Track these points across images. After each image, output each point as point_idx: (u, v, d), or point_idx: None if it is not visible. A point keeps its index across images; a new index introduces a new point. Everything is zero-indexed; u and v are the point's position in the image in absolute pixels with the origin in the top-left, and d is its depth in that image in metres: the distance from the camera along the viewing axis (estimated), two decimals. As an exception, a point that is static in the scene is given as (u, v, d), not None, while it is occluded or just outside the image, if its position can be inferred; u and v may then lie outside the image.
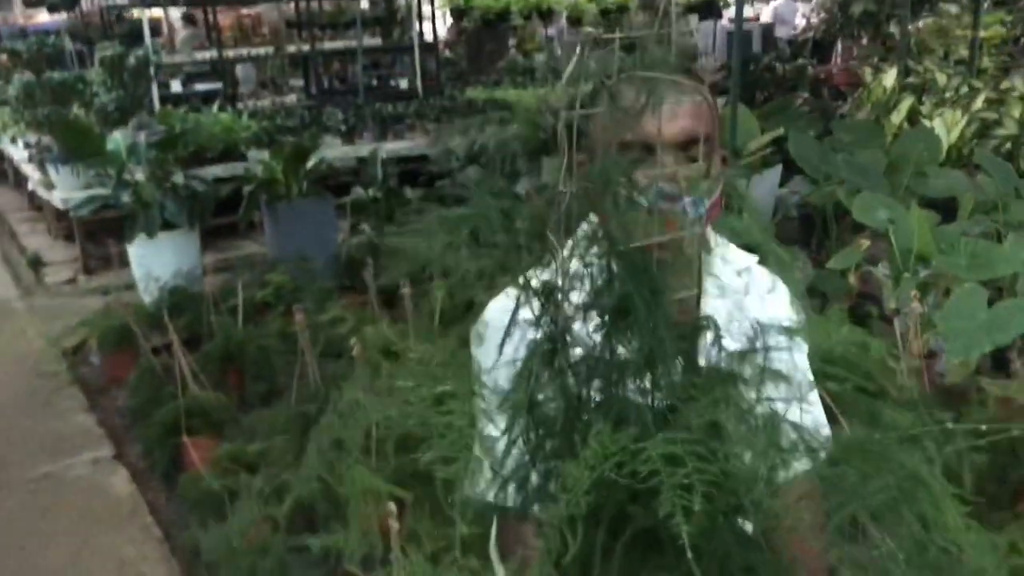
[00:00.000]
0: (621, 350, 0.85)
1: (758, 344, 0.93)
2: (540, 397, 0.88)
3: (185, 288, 4.94)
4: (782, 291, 1.47)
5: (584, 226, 0.87)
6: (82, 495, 3.85)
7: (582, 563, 0.84)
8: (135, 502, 3.80)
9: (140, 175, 5.11)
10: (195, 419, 3.79)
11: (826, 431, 0.91)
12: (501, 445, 0.89)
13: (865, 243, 4.21)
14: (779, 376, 0.91)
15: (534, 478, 0.89)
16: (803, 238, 5.53)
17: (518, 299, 0.90)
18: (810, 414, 0.95)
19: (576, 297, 0.88)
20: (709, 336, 1.29)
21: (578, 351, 0.88)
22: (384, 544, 0.91)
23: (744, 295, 1.30)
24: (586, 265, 0.84)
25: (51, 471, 4.00)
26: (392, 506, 1.11)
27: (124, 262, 5.55)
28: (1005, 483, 2.97)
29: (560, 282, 0.85)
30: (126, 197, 5.02)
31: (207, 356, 4.20)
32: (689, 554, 0.72)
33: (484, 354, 0.99)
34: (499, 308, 0.99)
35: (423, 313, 3.74)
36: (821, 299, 4.61)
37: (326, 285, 4.85)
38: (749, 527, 0.93)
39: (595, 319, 0.87)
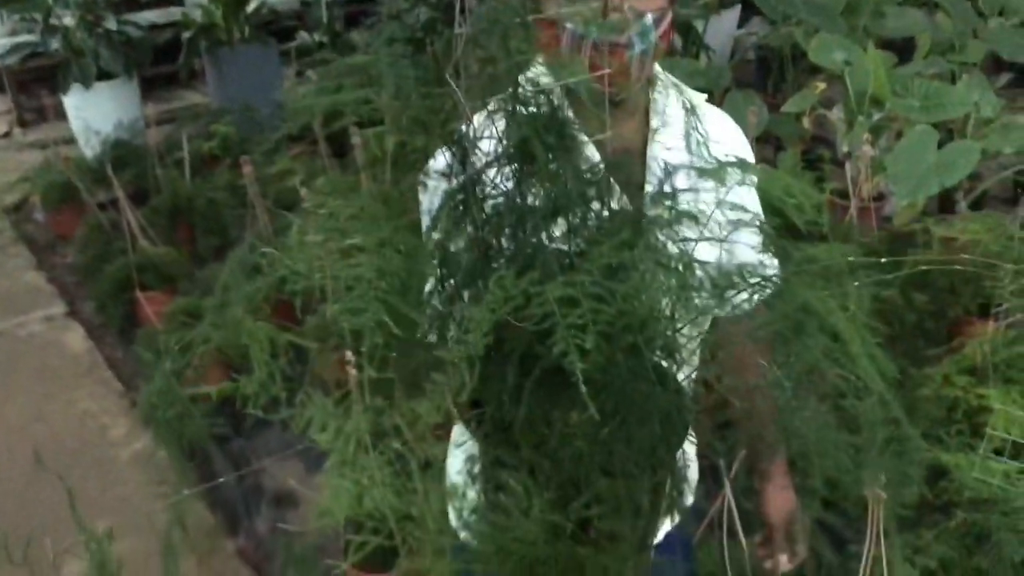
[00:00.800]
0: (531, 198, 0.84)
1: (704, 183, 0.93)
2: (455, 247, 0.88)
3: (128, 141, 4.79)
4: (732, 129, 1.44)
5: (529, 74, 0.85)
6: (38, 353, 3.85)
7: (495, 398, 0.85)
8: (92, 358, 3.82)
9: (69, 20, 4.84)
10: (147, 274, 3.76)
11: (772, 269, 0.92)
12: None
13: (821, 86, 4.16)
14: (733, 208, 0.91)
15: (451, 326, 0.89)
16: (760, 81, 5.45)
17: (444, 150, 0.89)
18: (754, 250, 0.95)
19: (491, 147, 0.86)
20: (652, 176, 1.28)
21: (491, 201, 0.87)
22: (287, 391, 0.91)
23: (693, 132, 1.28)
24: (494, 112, 0.81)
25: (3, 329, 3.98)
26: (349, 354, 1.12)
27: (61, 115, 5.34)
28: (942, 320, 3.07)
29: (467, 131, 0.83)
30: (55, 44, 4.79)
31: (155, 211, 4.12)
32: (583, 388, 0.74)
33: (427, 203, 0.98)
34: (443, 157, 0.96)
35: (373, 162, 3.67)
36: (775, 143, 4.60)
37: (273, 135, 4.73)
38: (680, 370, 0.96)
39: (507, 168, 0.85)
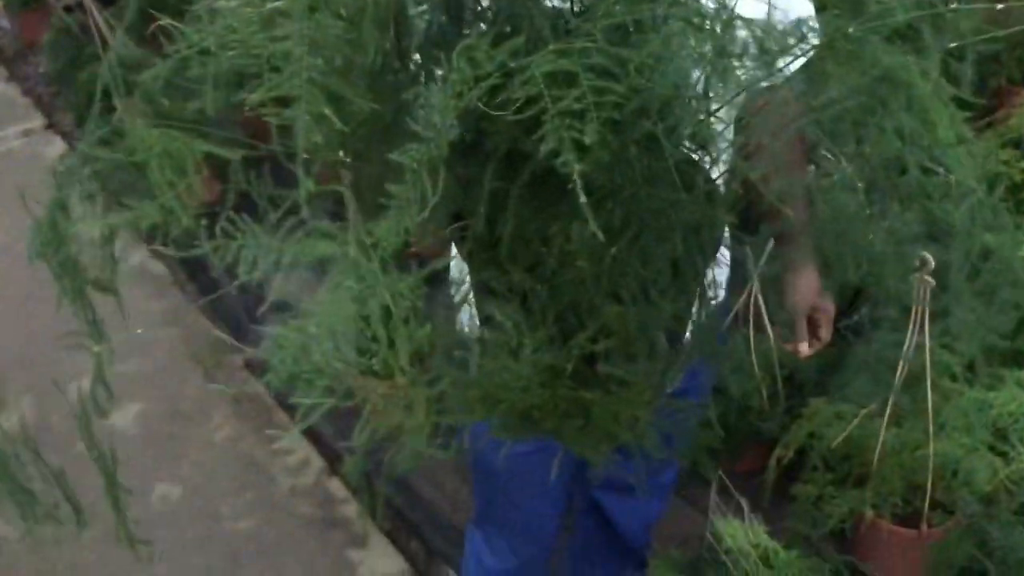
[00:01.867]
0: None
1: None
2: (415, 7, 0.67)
3: (88, -67, 4.36)
4: None
5: None
6: (20, 169, 3.66)
7: (477, 209, 0.68)
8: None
9: None
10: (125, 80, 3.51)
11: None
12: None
13: None
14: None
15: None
16: None
17: None
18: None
19: None
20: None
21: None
22: (195, 217, 0.74)
23: None
24: None
25: (-18, 146, 3.79)
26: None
27: (15, -92, 4.86)
28: (984, 91, 2.83)
29: None
30: None
31: (123, 10, 3.79)
32: (582, 197, 0.56)
33: None
34: None
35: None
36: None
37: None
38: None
39: None
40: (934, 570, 1.79)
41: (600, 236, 0.61)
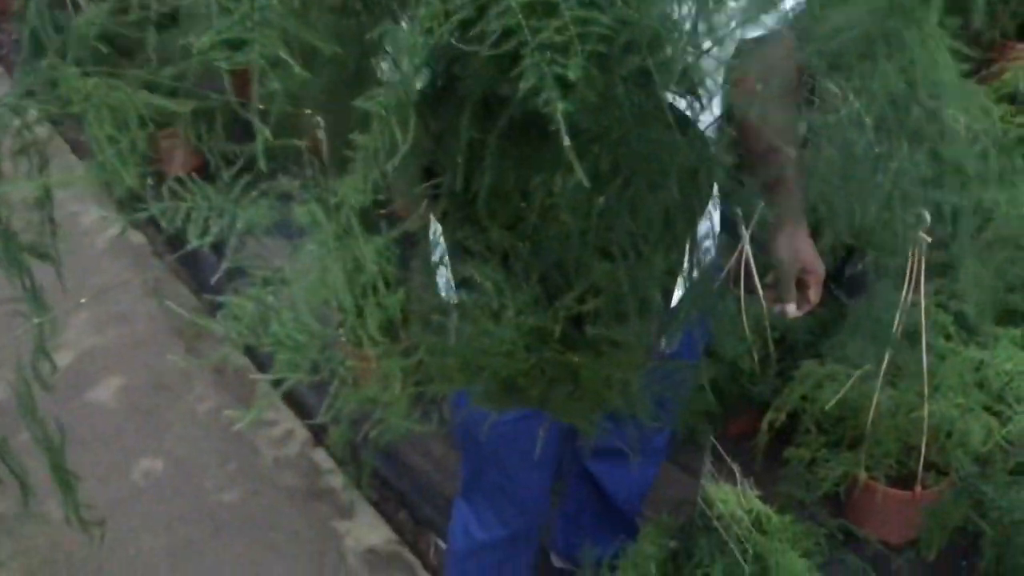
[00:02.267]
0: None
1: None
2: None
3: None
4: None
5: None
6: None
7: (450, 161, 0.62)
8: (53, 142, 3.55)
9: None
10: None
11: None
12: None
13: None
14: None
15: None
16: None
17: None
18: None
19: None
20: None
21: None
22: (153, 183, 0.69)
23: None
24: None
25: (-47, 116, 3.68)
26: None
27: None
28: (979, 44, 2.77)
29: None
30: None
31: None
32: (566, 140, 0.51)
33: None
34: None
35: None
36: None
37: None
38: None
39: None
40: (928, 532, 1.77)
41: (586, 183, 0.56)
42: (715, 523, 1.53)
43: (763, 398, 1.93)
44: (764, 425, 1.86)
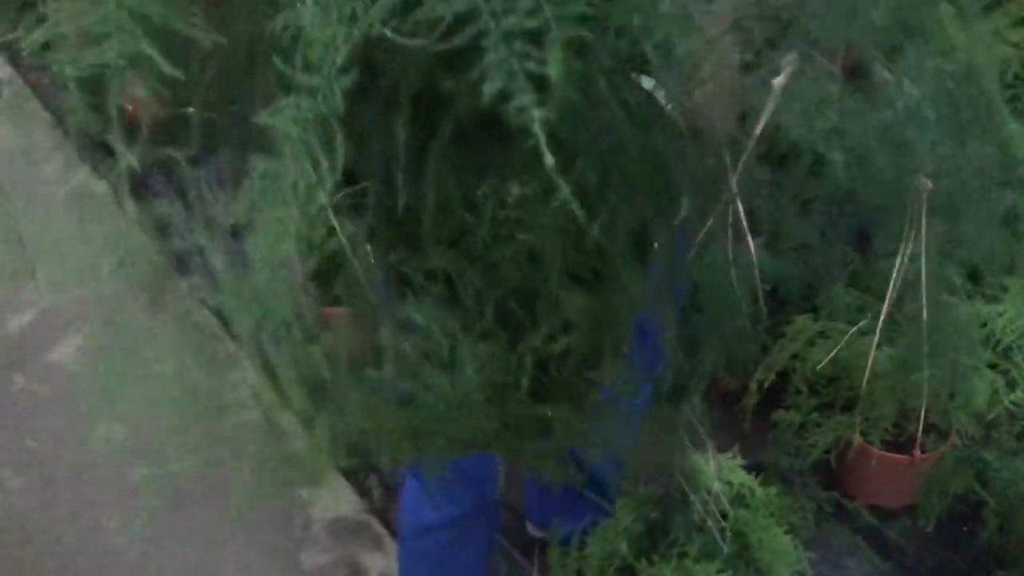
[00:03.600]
0: None
1: None
2: None
3: None
4: None
5: None
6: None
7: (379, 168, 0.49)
8: (15, 87, 3.42)
9: None
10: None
11: None
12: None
13: None
14: None
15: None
16: None
17: None
18: None
19: None
20: None
21: None
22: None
23: None
24: None
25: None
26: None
27: None
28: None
29: None
30: None
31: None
32: (548, 159, 0.37)
33: None
34: None
35: None
36: None
37: None
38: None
39: None
40: (927, 499, 1.65)
41: (579, 212, 0.42)
42: (692, 498, 1.41)
43: (752, 356, 1.81)
44: (752, 386, 1.73)
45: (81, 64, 0.48)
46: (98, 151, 3.21)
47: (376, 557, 1.97)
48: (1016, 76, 1.84)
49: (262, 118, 0.51)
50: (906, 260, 1.50)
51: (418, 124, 0.54)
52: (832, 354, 1.60)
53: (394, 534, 1.96)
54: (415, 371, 0.60)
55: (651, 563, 1.38)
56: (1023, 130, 1.69)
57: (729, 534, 1.37)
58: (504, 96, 0.41)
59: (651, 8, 0.47)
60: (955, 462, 1.62)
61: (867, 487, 1.71)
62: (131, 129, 0.68)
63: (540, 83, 0.41)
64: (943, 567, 1.69)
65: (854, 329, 1.61)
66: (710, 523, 1.39)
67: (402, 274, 0.63)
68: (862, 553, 1.67)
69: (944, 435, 1.65)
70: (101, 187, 3.31)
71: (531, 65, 0.41)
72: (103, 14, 0.47)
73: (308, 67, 0.46)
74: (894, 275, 1.55)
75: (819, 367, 1.62)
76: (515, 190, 0.56)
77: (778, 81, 1.13)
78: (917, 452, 1.65)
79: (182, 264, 2.77)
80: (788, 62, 1.16)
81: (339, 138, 0.47)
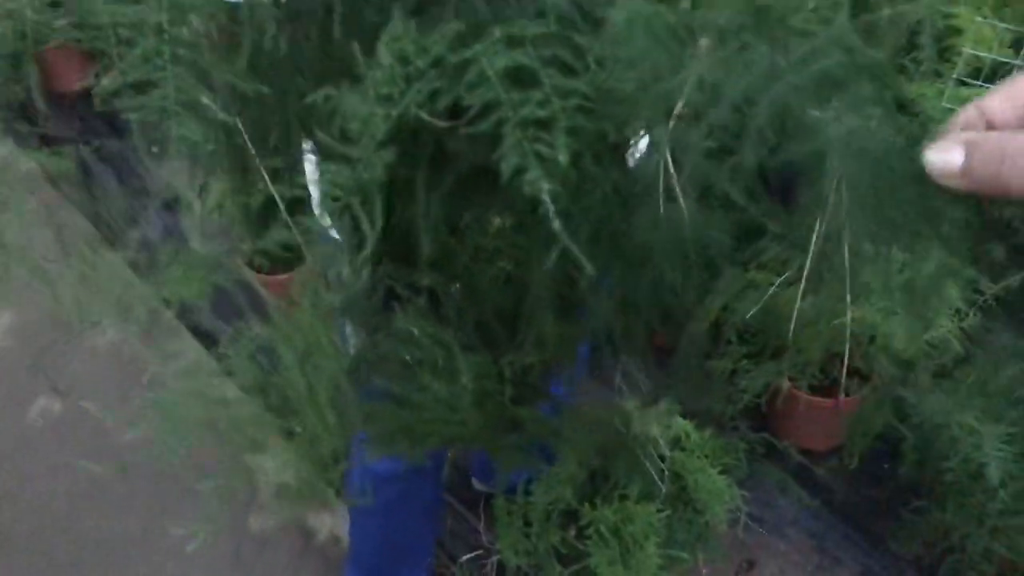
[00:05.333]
0: None
1: None
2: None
3: None
4: None
5: None
6: None
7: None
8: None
9: None
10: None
11: None
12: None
13: None
14: None
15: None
16: None
17: None
18: None
19: None
20: None
21: None
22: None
23: None
24: None
25: None
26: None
27: None
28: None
29: None
30: None
31: None
32: (556, 224, 0.46)
33: None
34: None
35: None
36: None
37: None
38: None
39: None
40: (851, 439, 1.74)
41: (591, 270, 0.50)
42: (632, 443, 1.47)
43: (686, 309, 1.87)
44: (685, 338, 1.79)
45: (144, 110, 0.52)
46: (22, 124, 3.10)
47: (324, 517, 1.99)
48: (929, 35, 1.92)
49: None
50: (828, 213, 1.58)
51: (415, 162, 0.58)
52: (759, 306, 1.67)
53: (341, 495, 1.98)
54: (411, 375, 0.65)
55: (594, 506, 1.43)
56: (933, 88, 1.77)
57: (667, 475, 1.43)
58: (519, 171, 0.47)
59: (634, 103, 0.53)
60: (876, 404, 1.71)
61: (796, 429, 1.79)
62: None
63: (552, 164, 0.48)
64: (867, 501, 1.78)
65: (779, 280, 1.68)
66: (649, 466, 1.44)
67: (390, 286, 0.67)
68: (792, 491, 1.76)
69: (866, 378, 1.74)
70: (28, 164, 3.20)
71: (542, 148, 0.47)
72: (159, 63, 0.50)
73: (346, 137, 0.50)
74: (816, 227, 1.63)
75: (748, 317, 1.68)
76: (496, 221, 0.61)
77: (704, 42, 1.18)
78: (841, 396, 1.73)
79: (117, 238, 2.71)
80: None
81: (378, 207, 0.51)
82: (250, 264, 2.25)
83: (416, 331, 0.62)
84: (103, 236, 2.69)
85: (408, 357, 0.64)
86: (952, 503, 1.52)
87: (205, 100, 0.52)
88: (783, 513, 1.77)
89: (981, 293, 1.62)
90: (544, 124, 0.48)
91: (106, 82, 0.54)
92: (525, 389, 0.71)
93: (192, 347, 2.28)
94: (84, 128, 3.10)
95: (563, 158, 0.47)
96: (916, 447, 1.60)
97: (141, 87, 0.51)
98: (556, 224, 0.48)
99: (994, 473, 1.35)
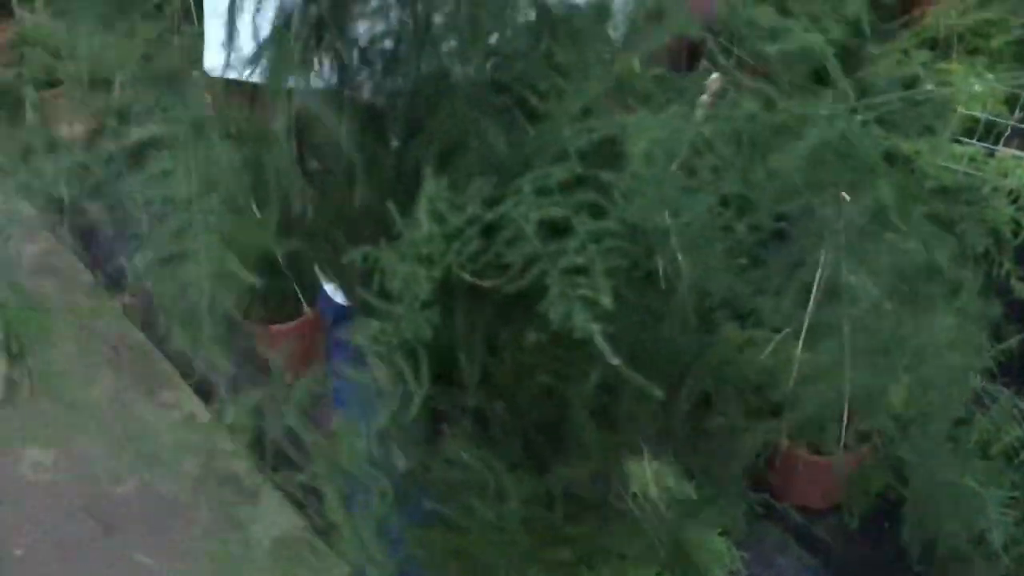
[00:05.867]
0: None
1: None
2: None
3: None
4: None
5: None
6: None
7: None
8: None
9: None
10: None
11: None
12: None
13: None
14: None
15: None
16: None
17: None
18: None
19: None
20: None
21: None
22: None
23: None
24: None
25: None
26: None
27: None
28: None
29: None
30: None
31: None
32: (614, 360, 0.50)
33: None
34: None
35: None
36: None
37: None
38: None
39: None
40: (850, 499, 1.72)
41: (659, 394, 0.57)
42: (629, 504, 1.44)
43: (685, 361, 1.86)
44: (684, 393, 1.78)
45: (175, 283, 0.53)
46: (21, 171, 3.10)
47: (318, 576, 1.96)
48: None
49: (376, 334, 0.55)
50: (826, 269, 1.58)
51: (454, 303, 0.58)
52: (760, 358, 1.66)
53: (337, 552, 1.95)
54: (460, 497, 0.65)
55: (592, 567, 1.41)
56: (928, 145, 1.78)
57: (666, 537, 1.41)
58: (567, 316, 0.49)
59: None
60: (875, 463, 1.70)
61: (795, 488, 1.78)
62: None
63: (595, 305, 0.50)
64: (867, 561, 1.76)
65: (779, 336, 1.68)
66: (646, 528, 1.42)
67: (434, 407, 0.68)
68: (792, 551, 1.73)
69: (865, 437, 1.72)
70: (28, 209, 3.20)
71: (585, 292, 0.49)
72: (192, 234, 0.52)
73: (386, 295, 0.51)
74: (815, 284, 1.63)
75: (748, 374, 1.68)
76: (531, 337, 0.62)
77: (703, 99, 1.18)
78: (840, 454, 1.72)
79: (115, 284, 2.71)
80: (712, 80, 1.22)
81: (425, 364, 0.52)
82: (246, 315, 2.24)
83: (465, 454, 0.63)
84: (101, 282, 2.69)
85: (457, 479, 0.64)
86: (953, 567, 1.50)
87: (237, 269, 0.53)
88: (783, 573, 1.75)
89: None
90: (583, 270, 0.49)
91: (137, 259, 0.57)
92: (574, 505, 0.71)
93: (188, 398, 2.27)
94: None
95: (606, 300, 0.48)
96: (916, 508, 1.59)
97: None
98: (615, 361, 0.50)
99: (997, 537, 1.33)
